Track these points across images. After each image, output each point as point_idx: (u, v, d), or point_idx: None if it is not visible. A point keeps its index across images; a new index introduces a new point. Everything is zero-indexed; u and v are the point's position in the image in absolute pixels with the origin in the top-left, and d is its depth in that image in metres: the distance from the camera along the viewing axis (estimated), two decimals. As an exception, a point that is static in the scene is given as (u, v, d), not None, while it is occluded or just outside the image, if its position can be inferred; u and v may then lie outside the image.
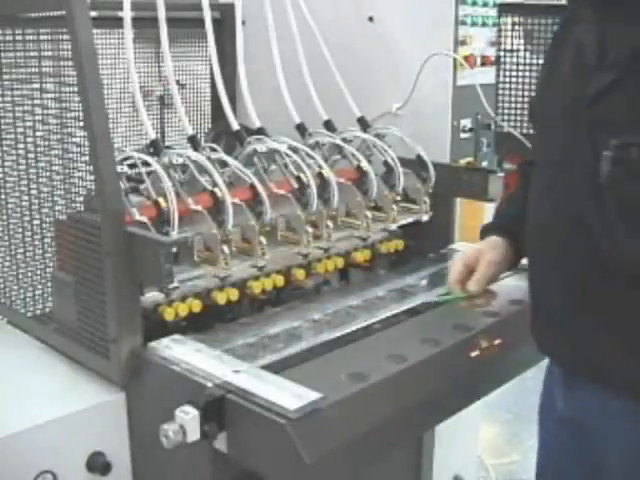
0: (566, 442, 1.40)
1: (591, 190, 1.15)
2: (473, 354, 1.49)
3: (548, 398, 1.45)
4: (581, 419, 1.33)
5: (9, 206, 1.81)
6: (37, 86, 1.63)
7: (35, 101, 1.64)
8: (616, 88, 1.12)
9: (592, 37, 1.16)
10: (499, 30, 2.10)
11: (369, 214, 1.82)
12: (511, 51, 2.58)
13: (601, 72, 1.13)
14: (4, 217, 1.83)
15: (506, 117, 2.60)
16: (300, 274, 1.73)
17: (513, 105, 2.64)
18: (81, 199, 1.60)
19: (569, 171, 1.20)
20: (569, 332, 1.27)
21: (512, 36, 2.58)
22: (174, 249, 1.46)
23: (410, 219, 1.94)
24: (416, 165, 1.95)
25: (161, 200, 1.54)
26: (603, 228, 1.15)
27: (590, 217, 1.16)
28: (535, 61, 2.58)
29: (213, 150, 1.73)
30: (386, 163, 1.91)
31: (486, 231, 1.60)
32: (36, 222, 1.75)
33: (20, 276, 1.83)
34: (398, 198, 1.91)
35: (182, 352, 1.42)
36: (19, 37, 1.66)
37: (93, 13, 1.52)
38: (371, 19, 2.11)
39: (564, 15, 1.33)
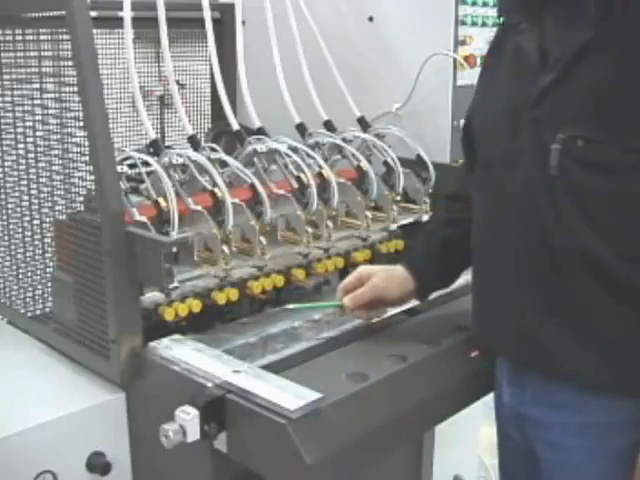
0: (513, 436, 1.42)
1: (542, 183, 1.21)
2: (473, 354, 1.49)
3: (497, 391, 1.47)
4: (524, 411, 1.36)
5: (9, 206, 1.81)
6: (37, 86, 1.63)
7: (35, 101, 1.64)
8: (556, 87, 1.20)
9: (533, 44, 1.25)
10: (499, 30, 2.10)
11: (369, 214, 1.82)
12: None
13: (543, 74, 1.22)
14: (4, 217, 1.83)
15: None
16: (300, 274, 1.73)
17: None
18: (81, 199, 1.60)
19: (518, 168, 1.25)
20: (519, 325, 1.29)
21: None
22: (174, 249, 1.45)
23: (410, 219, 1.94)
24: (416, 165, 1.95)
25: (161, 200, 1.54)
26: (554, 218, 1.21)
27: (542, 209, 1.22)
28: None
29: (213, 150, 1.73)
30: (386, 163, 1.91)
31: (401, 260, 1.62)
32: (36, 222, 1.75)
33: (20, 276, 1.83)
34: (398, 198, 1.91)
35: (182, 352, 1.42)
36: (19, 37, 1.66)
37: (93, 13, 1.52)
38: (371, 19, 2.11)
39: (500, 27, 1.42)
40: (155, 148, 1.68)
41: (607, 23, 1.15)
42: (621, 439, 1.25)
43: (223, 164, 1.69)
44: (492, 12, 2.07)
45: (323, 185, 1.75)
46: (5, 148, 1.79)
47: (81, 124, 1.48)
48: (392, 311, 1.65)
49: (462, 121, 1.98)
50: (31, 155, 1.70)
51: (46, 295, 1.79)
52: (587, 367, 1.22)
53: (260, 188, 1.64)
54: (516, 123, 1.26)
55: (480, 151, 1.41)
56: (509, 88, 1.30)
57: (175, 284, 1.42)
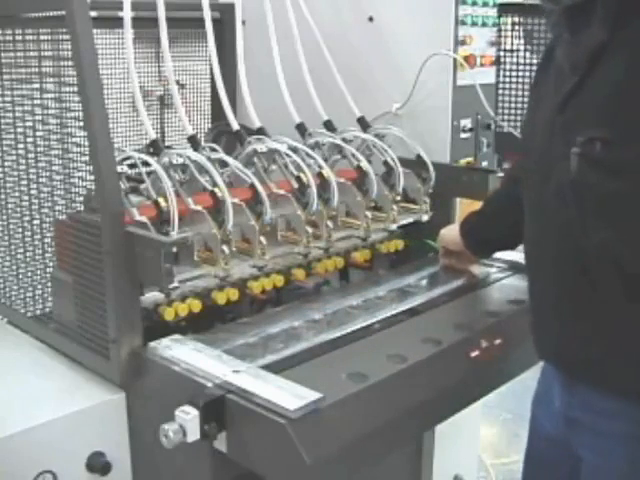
0: (557, 435, 1.43)
1: (568, 187, 1.22)
2: (473, 354, 1.49)
3: (545, 394, 1.48)
4: (574, 416, 1.36)
5: (9, 206, 1.81)
6: (37, 86, 1.63)
7: (35, 101, 1.64)
8: (578, 91, 1.21)
9: (566, 53, 1.27)
10: (499, 30, 2.09)
11: (369, 214, 1.82)
12: (511, 51, 2.57)
13: (567, 80, 1.24)
14: (4, 217, 1.83)
15: (506, 117, 2.60)
16: (300, 274, 1.73)
17: (513, 105, 2.63)
18: (81, 199, 1.60)
19: (552, 175, 1.27)
20: (561, 332, 1.31)
21: (512, 36, 2.58)
22: (174, 249, 1.45)
23: (410, 219, 1.94)
24: (416, 165, 1.95)
25: (161, 200, 1.54)
26: (581, 224, 1.21)
27: (570, 214, 1.23)
28: (535, 61, 2.58)
29: (213, 150, 1.73)
30: (386, 163, 1.91)
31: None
32: (36, 222, 1.75)
33: (20, 276, 1.83)
34: (398, 198, 1.91)
35: (182, 352, 1.42)
36: (19, 37, 1.66)
37: (93, 13, 1.52)
38: (371, 19, 2.11)
39: (549, 44, 1.44)
40: (155, 148, 1.68)
41: (619, 26, 1.16)
42: None
43: (223, 164, 1.69)
44: (492, 12, 2.07)
45: (323, 185, 1.75)
46: (5, 148, 1.79)
47: (81, 124, 1.48)
48: (392, 311, 1.66)
49: (461, 122, 2.02)
50: (31, 155, 1.70)
51: (46, 295, 1.79)
52: (628, 377, 1.23)
53: (260, 188, 1.64)
54: (550, 131, 1.27)
55: (525, 160, 1.42)
56: (548, 98, 1.32)
57: (175, 284, 1.42)
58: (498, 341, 1.53)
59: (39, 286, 1.81)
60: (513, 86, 2.64)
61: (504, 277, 1.86)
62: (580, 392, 1.33)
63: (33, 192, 1.73)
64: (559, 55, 1.30)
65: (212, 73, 2.00)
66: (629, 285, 1.19)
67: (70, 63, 1.46)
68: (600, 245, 1.19)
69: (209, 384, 1.29)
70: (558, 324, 1.31)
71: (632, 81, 1.14)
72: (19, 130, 1.72)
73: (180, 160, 1.64)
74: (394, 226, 1.89)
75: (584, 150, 1.18)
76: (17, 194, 1.78)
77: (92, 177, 1.47)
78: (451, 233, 1.87)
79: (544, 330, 1.37)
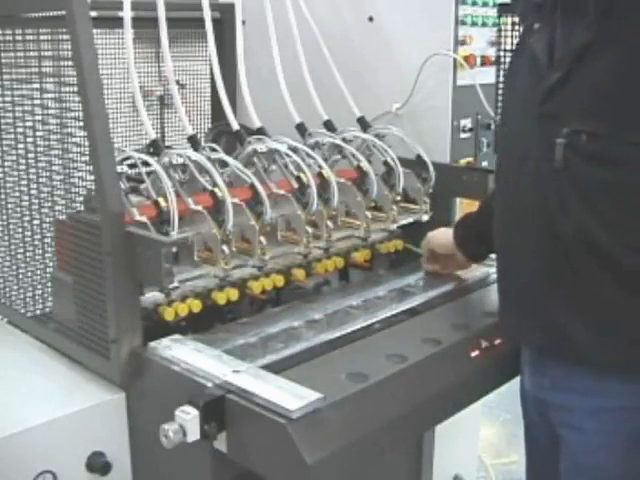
0: (536, 420, 1.48)
1: (548, 175, 1.27)
2: (473, 354, 1.49)
3: (521, 379, 1.52)
4: (544, 397, 1.41)
5: (9, 206, 1.81)
6: (37, 86, 1.63)
7: (35, 101, 1.64)
8: (562, 85, 1.25)
9: (543, 44, 1.31)
10: (499, 30, 2.09)
11: (369, 214, 1.82)
12: (511, 51, 2.57)
13: (550, 72, 1.27)
14: (4, 217, 1.83)
15: (506, 117, 2.60)
16: (300, 274, 1.73)
17: (513, 105, 2.63)
18: (81, 199, 1.60)
19: (528, 162, 1.31)
20: (538, 313, 1.34)
21: (512, 36, 2.58)
22: (174, 249, 1.45)
23: (410, 219, 1.94)
24: (416, 165, 1.95)
25: (161, 200, 1.54)
26: (560, 209, 1.26)
27: (549, 200, 1.27)
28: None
29: (213, 150, 1.73)
30: (386, 163, 1.91)
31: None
32: (36, 222, 1.75)
33: (20, 276, 1.83)
34: (398, 198, 1.91)
35: (182, 352, 1.42)
36: (19, 37, 1.66)
37: (93, 13, 1.52)
38: (371, 19, 2.11)
39: (521, 33, 1.47)
40: (155, 148, 1.68)
41: (607, 23, 1.19)
42: (638, 422, 1.28)
43: (223, 164, 1.69)
44: (492, 12, 2.07)
45: (323, 185, 1.75)
46: (5, 148, 1.79)
47: (81, 124, 1.48)
48: (392, 311, 1.66)
49: (461, 122, 2.02)
50: (31, 155, 1.70)
51: (46, 295, 1.79)
52: (604, 352, 1.27)
53: (260, 188, 1.64)
54: (528, 120, 1.31)
55: (500, 148, 1.47)
56: (523, 88, 1.35)
57: (175, 284, 1.42)
58: (498, 341, 1.53)
59: (39, 286, 1.81)
60: (513, 86, 2.64)
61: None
62: (551, 372, 1.37)
63: (33, 192, 1.73)
64: (533, 44, 1.33)
65: (212, 73, 2.00)
66: (607, 268, 1.23)
67: (70, 63, 1.46)
68: (580, 231, 1.24)
69: (209, 384, 1.29)
70: (534, 305, 1.34)
71: (619, 78, 1.19)
72: (19, 130, 1.72)
73: (180, 160, 1.64)
74: (394, 226, 1.89)
75: (570, 141, 1.23)
76: (17, 194, 1.78)
77: (92, 177, 1.47)
78: (440, 236, 1.83)
79: (517, 312, 1.39)
